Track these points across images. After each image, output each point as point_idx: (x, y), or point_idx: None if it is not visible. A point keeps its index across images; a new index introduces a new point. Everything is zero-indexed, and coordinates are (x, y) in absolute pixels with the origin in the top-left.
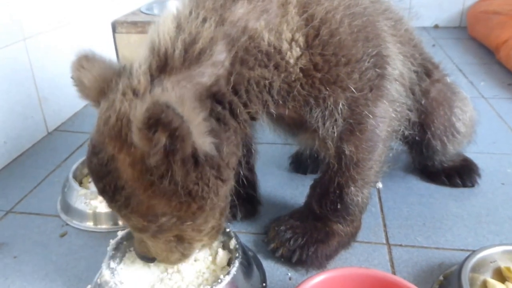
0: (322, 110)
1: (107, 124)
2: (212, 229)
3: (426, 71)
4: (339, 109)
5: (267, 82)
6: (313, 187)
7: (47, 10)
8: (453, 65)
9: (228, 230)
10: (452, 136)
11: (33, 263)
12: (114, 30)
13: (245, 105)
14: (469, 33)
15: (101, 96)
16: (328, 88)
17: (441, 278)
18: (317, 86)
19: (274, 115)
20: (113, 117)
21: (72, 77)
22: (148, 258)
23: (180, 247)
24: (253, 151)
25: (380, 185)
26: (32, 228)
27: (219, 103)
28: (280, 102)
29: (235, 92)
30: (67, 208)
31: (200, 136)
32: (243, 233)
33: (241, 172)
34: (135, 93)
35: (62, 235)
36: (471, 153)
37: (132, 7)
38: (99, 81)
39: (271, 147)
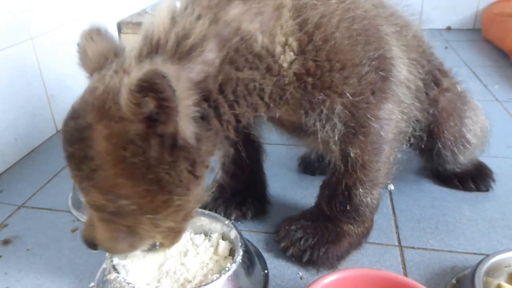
0: (318, 114)
1: (92, 94)
2: (169, 230)
3: (435, 79)
4: (336, 113)
5: (257, 84)
6: (322, 188)
7: (52, 10)
8: (466, 67)
9: (227, 222)
10: (463, 147)
11: (46, 257)
12: (119, 31)
13: (230, 106)
14: (483, 35)
15: (96, 69)
16: (322, 93)
17: (453, 281)
18: (310, 91)
19: (265, 119)
20: (100, 89)
21: (78, 44)
22: (90, 244)
23: (129, 239)
24: (261, 151)
25: (391, 186)
26: (44, 223)
27: (205, 100)
28: (271, 105)
29: (222, 91)
30: (79, 204)
31: (185, 119)
32: (254, 232)
33: (246, 172)
34: (125, 73)
35: (74, 230)
36: (485, 157)
37: (137, 8)
38: (100, 56)
39: (280, 148)
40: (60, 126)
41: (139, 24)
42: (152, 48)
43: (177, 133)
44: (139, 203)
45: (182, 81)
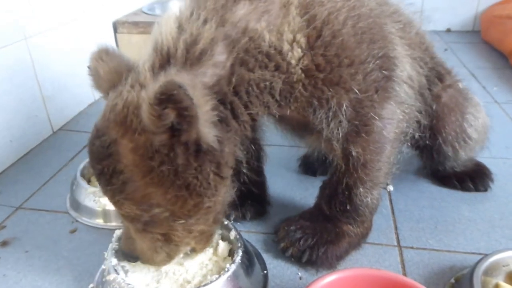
0: (325, 111)
1: (113, 111)
2: (201, 234)
3: (438, 75)
4: (343, 110)
5: (267, 83)
6: (322, 188)
7: (47, 9)
8: (465, 69)
9: (226, 223)
10: (464, 142)
11: (44, 258)
12: (115, 30)
13: (246, 107)
14: (483, 38)
15: (111, 88)
16: (331, 89)
17: (452, 280)
18: (320, 87)
19: (277, 116)
20: (119, 105)
21: (89, 67)
22: (131, 257)
23: (166, 248)
24: (262, 153)
25: (391, 187)
26: (43, 224)
27: (221, 103)
28: (282, 103)
29: (236, 93)
30: (77, 206)
31: (206, 125)
32: (253, 233)
33: (248, 173)
34: (142, 86)
35: (72, 231)
36: (484, 158)
37: (133, 7)
38: (113, 74)
39: (280, 149)
40: (56, 127)
41: (135, 23)
42: (163, 59)
43: (200, 139)
44: (171, 210)
45: (198, 88)
